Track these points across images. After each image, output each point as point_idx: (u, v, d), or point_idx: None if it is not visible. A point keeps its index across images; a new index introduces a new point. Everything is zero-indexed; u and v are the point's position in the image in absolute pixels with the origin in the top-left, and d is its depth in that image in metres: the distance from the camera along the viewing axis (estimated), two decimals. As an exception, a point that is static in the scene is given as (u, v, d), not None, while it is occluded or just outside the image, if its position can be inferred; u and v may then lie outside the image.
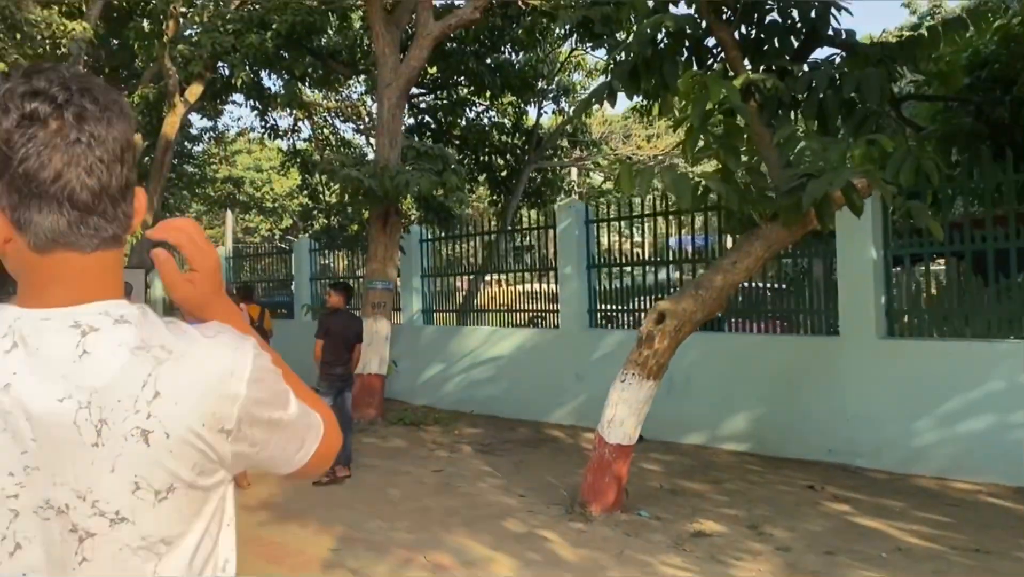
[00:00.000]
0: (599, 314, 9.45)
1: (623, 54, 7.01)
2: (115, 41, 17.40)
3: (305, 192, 22.17)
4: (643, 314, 9.13)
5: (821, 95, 6.40)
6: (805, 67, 6.82)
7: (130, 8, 16.41)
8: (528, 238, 10.97)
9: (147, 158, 16.89)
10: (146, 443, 0.91)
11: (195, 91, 15.74)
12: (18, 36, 14.13)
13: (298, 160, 19.50)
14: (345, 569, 4.91)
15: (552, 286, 10.32)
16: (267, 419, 1.00)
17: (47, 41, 14.33)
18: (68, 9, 15.55)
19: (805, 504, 6.20)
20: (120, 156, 0.96)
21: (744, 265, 5.84)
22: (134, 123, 0.99)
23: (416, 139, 12.52)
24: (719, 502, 6.30)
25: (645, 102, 13.91)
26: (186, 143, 22.87)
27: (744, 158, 6.32)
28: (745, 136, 6.25)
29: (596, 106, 8.12)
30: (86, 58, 16.49)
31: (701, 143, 6.06)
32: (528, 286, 11.04)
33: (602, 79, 8.41)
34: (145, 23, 16.20)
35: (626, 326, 9.32)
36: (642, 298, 9.17)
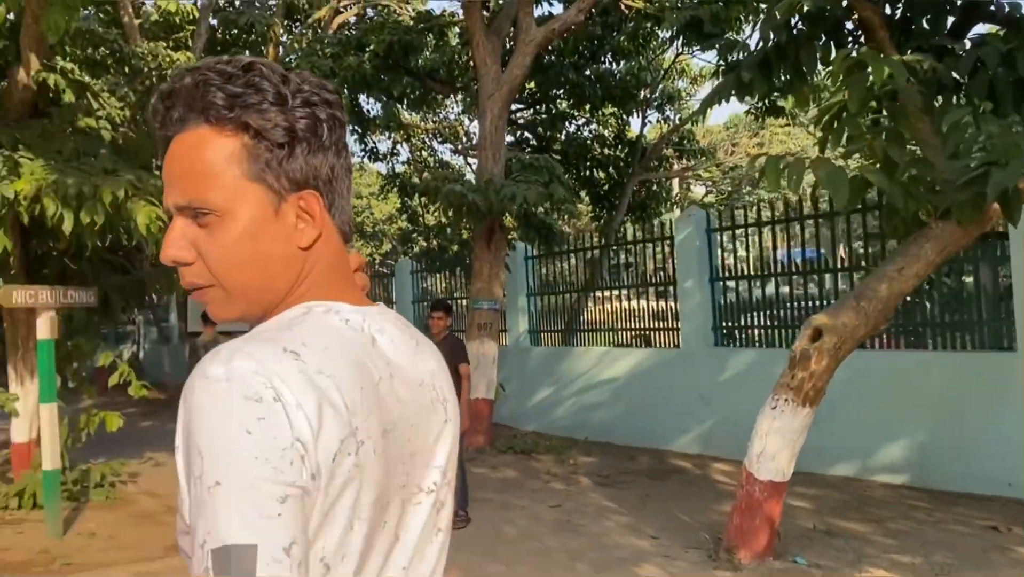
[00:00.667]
0: (724, 331, 8.66)
1: (754, 43, 6.29)
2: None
3: (404, 215, 22.15)
4: (778, 330, 8.31)
5: (991, 74, 5.54)
6: (967, 44, 5.96)
7: (233, 40, 16.62)
8: (644, 251, 10.24)
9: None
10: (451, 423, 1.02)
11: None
12: (127, 69, 14.43)
13: (397, 183, 19.43)
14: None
15: (670, 302, 9.58)
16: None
17: (154, 73, 14.54)
18: (174, 43, 15.83)
19: (992, 549, 5.28)
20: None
21: (913, 271, 5.02)
22: None
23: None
24: (886, 546, 5.44)
25: (758, 104, 13.14)
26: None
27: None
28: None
29: (719, 104, 7.41)
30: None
31: (845, 135, 5.30)
32: (643, 302, 10.32)
33: (709, 85, 7.69)
34: (247, 54, 16.40)
35: (758, 344, 8.50)
36: (776, 312, 8.35)
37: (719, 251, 8.75)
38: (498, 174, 9.36)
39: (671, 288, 9.46)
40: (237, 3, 16.68)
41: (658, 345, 9.81)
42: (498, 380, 9.88)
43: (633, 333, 10.31)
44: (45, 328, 6.27)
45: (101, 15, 14.97)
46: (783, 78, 6.63)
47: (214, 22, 16.57)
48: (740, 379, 8.09)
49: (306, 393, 0.79)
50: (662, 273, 9.93)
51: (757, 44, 6.67)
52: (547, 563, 5.31)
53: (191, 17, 16.18)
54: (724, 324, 8.67)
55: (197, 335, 13.39)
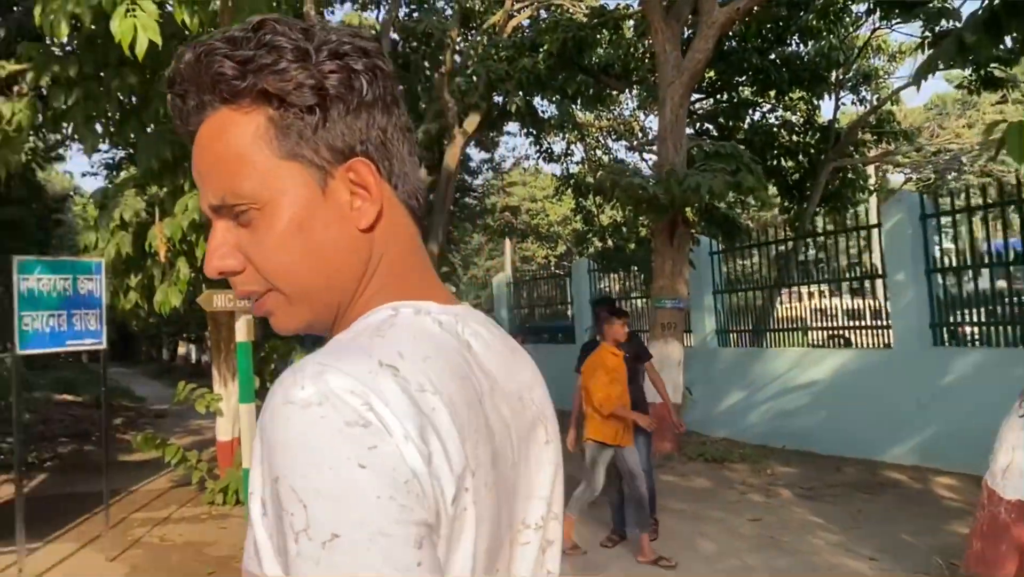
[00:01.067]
0: (944, 329, 7.72)
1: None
2: (400, 88, 18.23)
3: (579, 216, 21.98)
4: (1008, 328, 7.30)
5: None
6: None
7: (413, 51, 17.06)
8: (846, 242, 9.37)
9: (430, 194, 17.43)
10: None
11: (472, 121, 15.96)
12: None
13: (571, 184, 19.29)
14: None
15: (877, 297, 8.70)
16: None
17: (340, 87, 15.05)
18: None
19: None
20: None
21: None
22: None
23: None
24: None
25: (972, 77, 11.81)
26: (466, 176, 23.64)
27: None
28: None
29: (932, 74, 6.58)
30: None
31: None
32: (844, 299, 9.47)
33: (911, 62, 6.84)
34: (426, 66, 16.80)
35: (987, 342, 7.51)
36: (1005, 307, 7.34)
37: (936, 239, 7.81)
38: (680, 165, 8.88)
39: (878, 282, 8.58)
40: (415, 15, 17.12)
41: (864, 345, 8.93)
42: (684, 383, 9.38)
43: (832, 332, 9.47)
44: (243, 331, 6.48)
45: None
46: (1012, 39, 5.79)
47: (395, 36, 17.11)
48: (964, 382, 7.17)
49: (412, 418, 0.64)
50: (866, 266, 9.03)
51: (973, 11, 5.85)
52: (750, 584, 4.83)
53: (373, 32, 16.77)
54: (943, 321, 7.73)
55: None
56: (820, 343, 9.55)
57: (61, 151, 17.10)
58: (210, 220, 0.79)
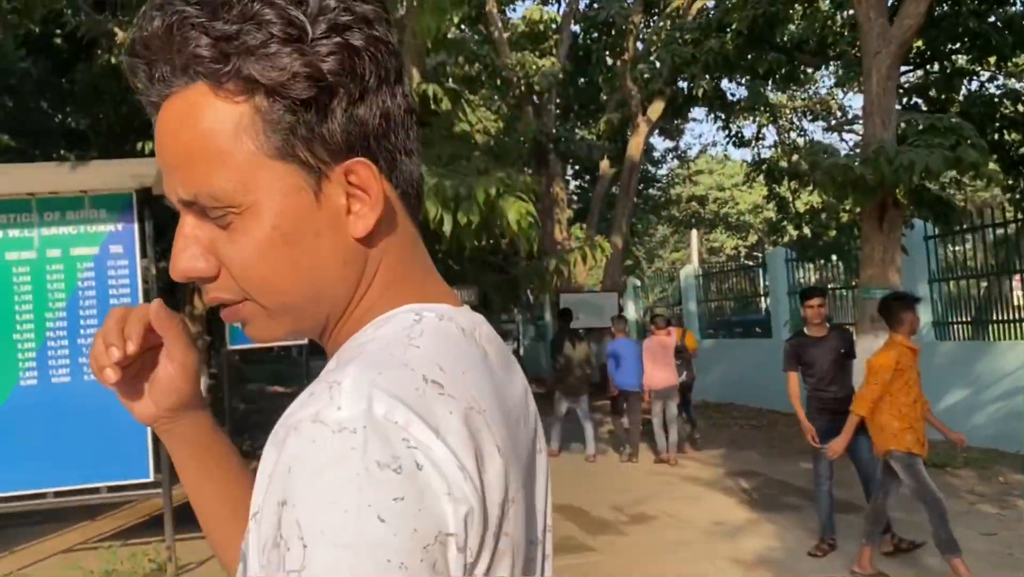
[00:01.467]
0: None
1: None
2: (581, 80, 18.13)
3: (772, 203, 20.92)
4: None
5: None
6: None
7: (594, 42, 16.89)
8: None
9: (614, 186, 17.17)
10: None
11: (656, 109, 15.58)
12: (498, 81, 15.32)
13: (763, 169, 18.38)
14: None
15: None
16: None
17: (522, 83, 15.24)
18: (539, 52, 16.50)
19: None
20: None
21: None
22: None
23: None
24: None
25: None
26: (650, 167, 23.17)
27: None
28: None
29: None
30: (557, 99, 17.42)
31: None
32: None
33: None
34: (607, 56, 16.58)
35: None
36: None
37: None
38: (889, 142, 8.10)
39: None
40: (595, 5, 16.92)
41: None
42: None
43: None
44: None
45: (476, 35, 16.09)
46: None
47: (576, 29, 17.02)
48: None
49: (464, 446, 0.56)
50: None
51: None
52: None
53: (555, 24, 16.78)
54: None
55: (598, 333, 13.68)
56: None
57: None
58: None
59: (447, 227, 5.88)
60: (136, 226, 5.37)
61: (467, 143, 6.61)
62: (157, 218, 5.54)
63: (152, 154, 4.55)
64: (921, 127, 8.02)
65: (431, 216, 5.79)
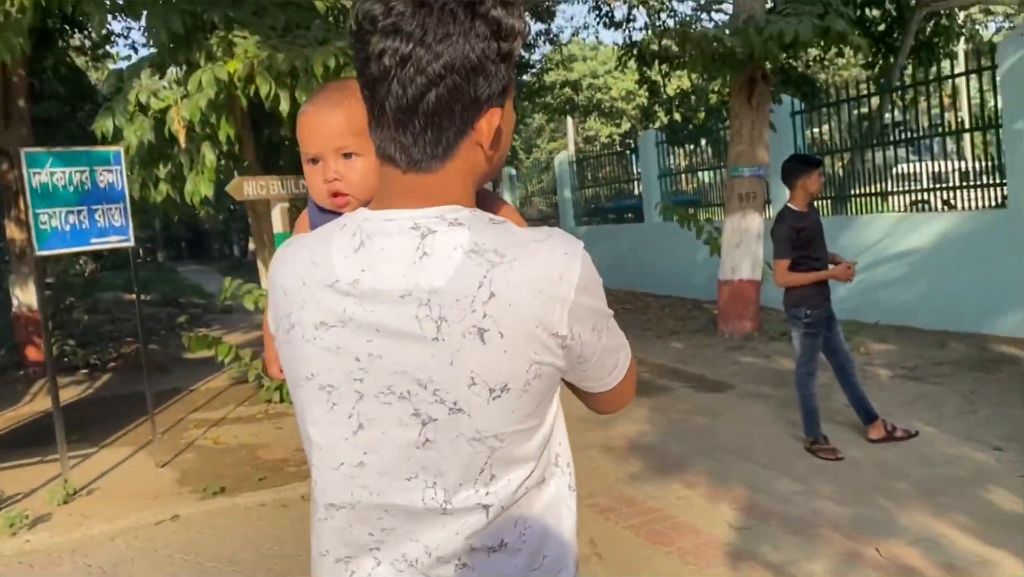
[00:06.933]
0: (1072, 183, 6.72)
1: None
2: None
3: (643, 88, 20.70)
4: None
5: None
6: None
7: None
8: (949, 91, 8.27)
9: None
10: (482, 341, 0.93)
11: (524, -15, 14.79)
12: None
13: (635, 53, 18.01)
14: (761, 565, 3.42)
15: (988, 154, 7.66)
16: (592, 325, 1.00)
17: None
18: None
19: None
20: (436, 79, 0.92)
21: None
22: (485, 46, 0.93)
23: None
24: None
25: None
26: (523, 52, 22.37)
27: None
28: None
29: None
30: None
31: None
32: (945, 162, 8.44)
33: None
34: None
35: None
36: None
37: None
38: (759, 11, 7.82)
39: (990, 134, 7.53)
40: None
41: (972, 207, 7.95)
42: (763, 258, 8.61)
43: (933, 195, 8.50)
44: (279, 220, 5.98)
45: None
46: None
47: None
48: (1096, 243, 6.25)
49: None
50: (970, 119, 7.96)
51: None
52: (854, 482, 4.22)
53: None
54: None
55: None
56: (903, 208, 8.60)
57: (108, 48, 16.62)
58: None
59: (284, 106, 5.21)
60: None
61: (306, 10, 5.84)
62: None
63: None
64: (790, -4, 7.72)
65: (264, 93, 5.09)
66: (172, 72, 6.30)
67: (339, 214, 1.14)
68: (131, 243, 5.56)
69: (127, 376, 9.19)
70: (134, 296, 18.44)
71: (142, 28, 11.48)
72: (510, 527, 1.01)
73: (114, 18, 12.21)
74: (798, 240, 4.67)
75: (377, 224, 0.97)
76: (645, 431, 5.43)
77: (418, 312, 0.93)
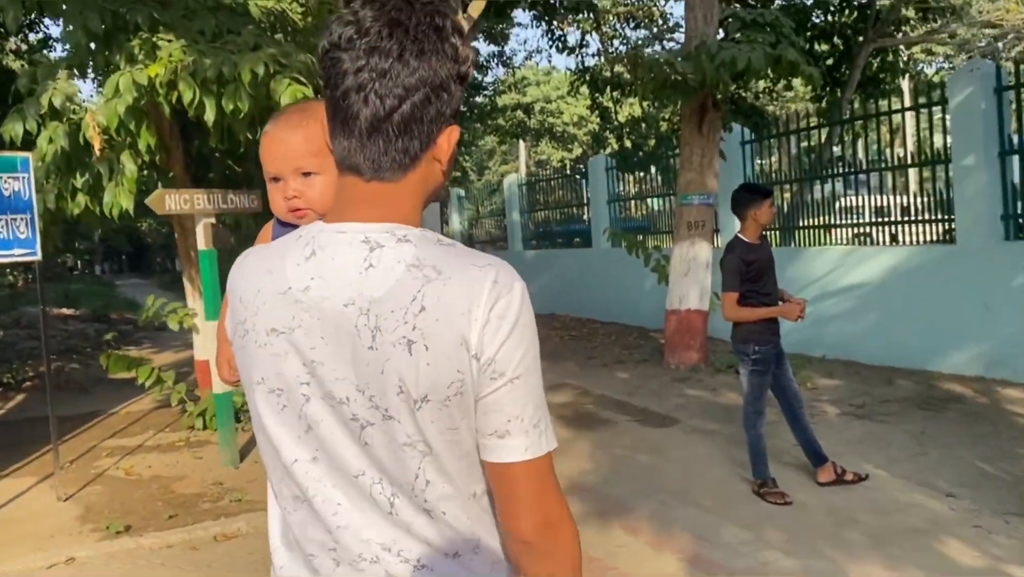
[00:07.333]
0: (1019, 221, 6.68)
1: None
2: None
3: (595, 113, 20.69)
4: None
5: None
6: None
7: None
8: (904, 124, 8.25)
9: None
10: (409, 352, 0.98)
11: (478, 7, 14.61)
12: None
13: (587, 78, 17.98)
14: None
15: (934, 189, 7.63)
16: (500, 362, 1.00)
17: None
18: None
19: None
20: (404, 93, 1.00)
21: None
22: (453, 66, 1.02)
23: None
24: None
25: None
26: (476, 73, 22.22)
27: None
28: None
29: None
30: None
31: None
32: (894, 193, 8.42)
33: None
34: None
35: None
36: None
37: (1012, 117, 6.68)
38: (711, 37, 7.71)
39: (938, 169, 7.50)
40: None
41: (919, 242, 7.90)
42: (712, 288, 8.46)
43: (882, 228, 8.45)
44: (203, 237, 5.60)
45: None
46: None
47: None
48: (1042, 283, 6.21)
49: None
50: (916, 153, 7.94)
51: None
52: (804, 531, 4.00)
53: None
54: (1018, 212, 6.69)
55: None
56: (849, 241, 8.56)
57: (47, 52, 15.94)
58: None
59: (210, 115, 4.86)
60: None
61: (239, 15, 5.51)
62: None
63: None
64: (744, 21, 7.63)
65: (187, 100, 4.74)
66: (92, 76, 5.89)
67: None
68: (37, 257, 5.11)
69: (44, 397, 8.62)
70: (64, 311, 17.58)
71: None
72: (460, 538, 1.06)
73: (39, 18, 11.66)
74: (748, 273, 4.47)
75: (330, 235, 1.03)
76: (586, 469, 5.16)
77: (358, 321, 0.99)
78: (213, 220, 5.67)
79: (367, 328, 0.98)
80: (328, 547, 1.06)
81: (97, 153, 5.10)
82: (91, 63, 5.53)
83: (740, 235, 4.58)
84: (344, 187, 1.05)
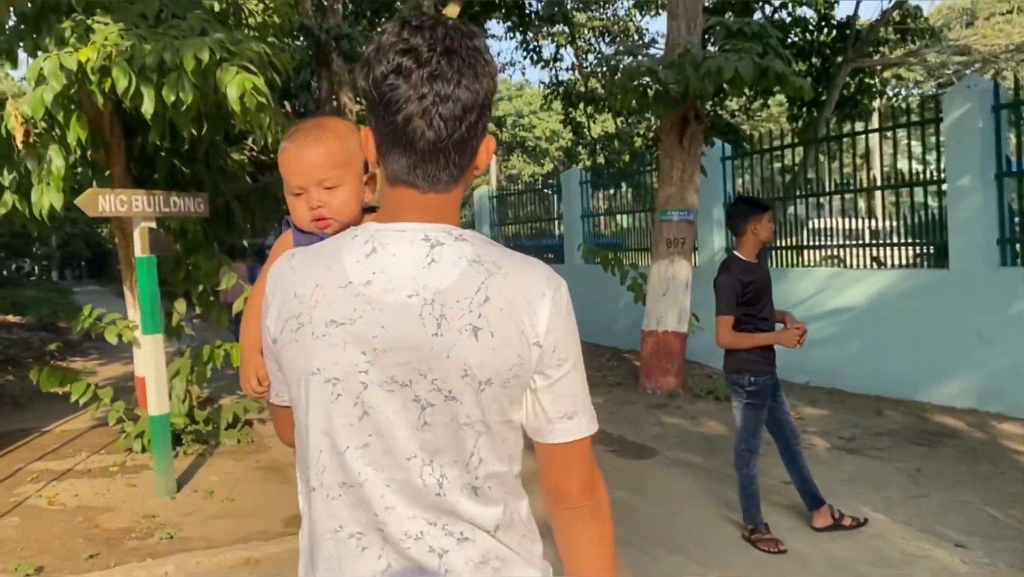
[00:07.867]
0: (1016, 246, 6.37)
1: None
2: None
3: (568, 128, 20.38)
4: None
5: None
6: None
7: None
8: (897, 141, 7.94)
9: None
10: (475, 338, 1.07)
11: (452, 12, 14.23)
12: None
13: (560, 92, 17.68)
14: None
15: (927, 209, 7.31)
16: (561, 349, 1.14)
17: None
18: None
19: None
20: (462, 114, 1.07)
21: None
22: (492, 83, 1.10)
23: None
24: None
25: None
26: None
27: None
28: None
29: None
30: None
31: None
32: (882, 214, 8.10)
33: None
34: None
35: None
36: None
37: (1012, 136, 6.38)
38: (695, 46, 7.35)
39: (931, 189, 7.18)
40: None
41: (911, 265, 7.57)
42: (691, 308, 8.07)
43: (874, 250, 8.10)
44: (141, 242, 5.07)
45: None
46: None
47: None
48: (1039, 311, 5.89)
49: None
50: (909, 172, 7.63)
51: None
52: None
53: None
54: (1015, 236, 6.38)
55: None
56: (818, 263, 8.23)
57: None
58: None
59: (148, 106, 4.35)
60: None
61: (186, 1, 5.01)
62: None
63: None
64: (730, 31, 7.28)
65: (121, 89, 4.23)
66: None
67: (319, 236, 1.40)
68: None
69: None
70: (10, 318, 16.68)
71: None
72: (499, 513, 1.14)
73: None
74: (744, 295, 4.05)
75: (390, 234, 1.11)
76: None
77: (423, 310, 1.07)
78: (153, 224, 5.15)
79: (432, 317, 1.07)
80: (375, 526, 1.11)
81: (19, 146, 4.56)
82: (20, 47, 4.99)
83: (736, 253, 4.18)
84: (397, 197, 1.12)
